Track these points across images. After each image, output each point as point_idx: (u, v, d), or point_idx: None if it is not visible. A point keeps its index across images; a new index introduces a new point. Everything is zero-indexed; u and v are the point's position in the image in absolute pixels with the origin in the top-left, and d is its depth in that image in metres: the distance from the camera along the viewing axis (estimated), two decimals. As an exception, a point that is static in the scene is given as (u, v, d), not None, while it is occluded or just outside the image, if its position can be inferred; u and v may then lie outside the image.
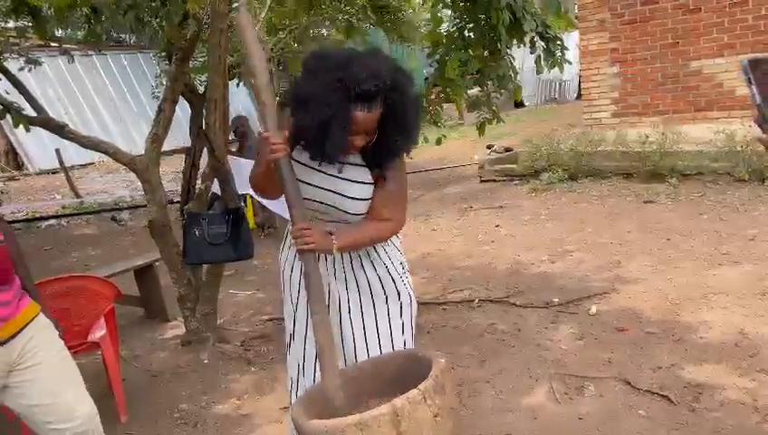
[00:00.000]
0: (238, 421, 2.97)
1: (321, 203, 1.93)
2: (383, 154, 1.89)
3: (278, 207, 5.68)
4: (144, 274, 4.48)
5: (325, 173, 1.92)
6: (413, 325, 2.11)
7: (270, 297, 4.82)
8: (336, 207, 1.93)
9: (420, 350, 2.05)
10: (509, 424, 2.71)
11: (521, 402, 2.88)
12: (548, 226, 5.94)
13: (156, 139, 3.65)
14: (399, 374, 1.94)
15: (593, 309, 3.83)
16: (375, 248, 2.03)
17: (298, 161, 1.90)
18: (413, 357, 1.98)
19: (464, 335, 3.68)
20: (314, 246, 1.79)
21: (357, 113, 1.77)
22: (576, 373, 3.06)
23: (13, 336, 1.79)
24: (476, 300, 4.19)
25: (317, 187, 1.92)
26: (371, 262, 2.03)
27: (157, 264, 4.43)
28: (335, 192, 1.91)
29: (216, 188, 3.85)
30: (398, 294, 2.06)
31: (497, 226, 6.17)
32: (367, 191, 1.93)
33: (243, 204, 3.87)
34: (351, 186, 1.92)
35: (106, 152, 3.56)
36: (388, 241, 2.06)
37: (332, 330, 1.88)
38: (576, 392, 2.91)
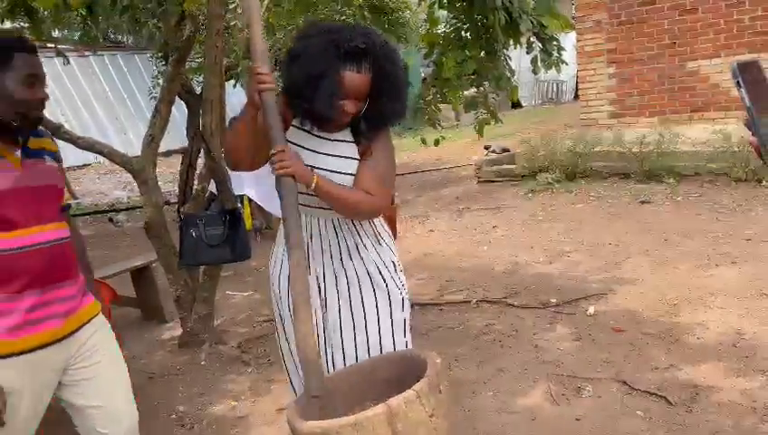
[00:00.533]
0: (235, 423, 2.96)
1: None
2: (370, 121, 1.89)
3: (275, 207, 5.69)
4: (141, 275, 4.47)
5: (315, 151, 1.90)
6: (406, 324, 2.06)
7: (267, 298, 4.80)
8: None
9: (416, 350, 2.04)
10: (506, 425, 2.70)
11: (518, 404, 2.87)
12: (545, 226, 5.94)
13: (152, 140, 3.64)
14: (396, 375, 1.93)
15: (591, 310, 3.82)
16: (365, 246, 1.99)
17: (289, 141, 1.86)
18: (409, 358, 1.97)
19: (461, 336, 3.67)
20: (291, 170, 1.72)
21: (346, 72, 1.78)
22: (573, 374, 3.06)
23: (74, 332, 1.77)
24: (474, 301, 4.18)
25: (310, 166, 1.87)
26: (361, 258, 1.99)
27: (154, 265, 4.42)
28: (324, 169, 1.87)
29: (213, 188, 3.84)
30: (389, 292, 2.01)
31: (494, 226, 6.17)
32: (354, 166, 1.91)
33: (240, 205, 3.86)
34: (340, 161, 1.90)
35: (101, 153, 3.55)
36: (379, 239, 2.02)
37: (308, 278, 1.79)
38: (573, 393, 2.91)
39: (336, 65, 1.77)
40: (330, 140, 1.92)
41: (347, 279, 1.99)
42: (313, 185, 1.79)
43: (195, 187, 3.87)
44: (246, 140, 1.83)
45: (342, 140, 1.92)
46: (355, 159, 1.92)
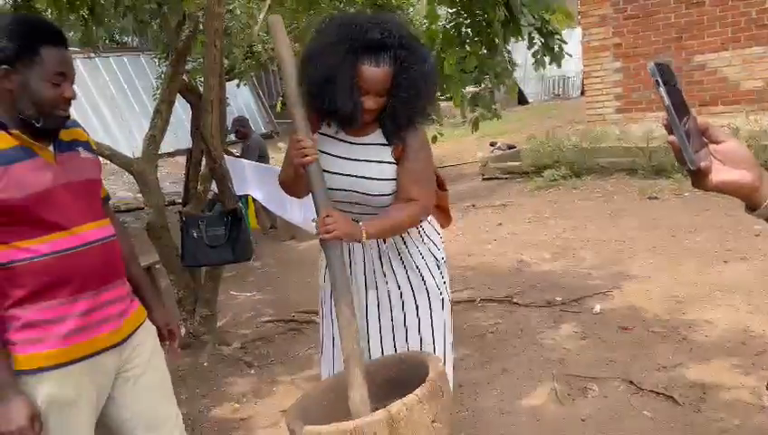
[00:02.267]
0: (237, 425, 2.94)
1: (345, 191, 1.87)
2: (398, 120, 1.82)
3: (279, 207, 5.68)
4: (144, 276, 4.45)
5: (345, 158, 1.87)
6: (446, 325, 2.02)
7: (270, 298, 4.80)
8: (360, 192, 1.86)
9: (420, 353, 2.01)
10: (511, 426, 2.66)
11: (523, 404, 2.83)
12: (551, 223, 5.89)
13: (153, 140, 3.62)
14: (399, 377, 1.90)
15: (597, 308, 3.78)
16: (407, 246, 1.96)
17: (319, 150, 1.85)
18: (412, 360, 1.94)
19: (465, 335, 3.63)
20: (338, 233, 1.69)
21: (363, 67, 1.72)
22: (579, 374, 3.02)
23: (129, 336, 1.66)
24: (478, 299, 4.14)
25: (339, 174, 1.86)
26: (402, 261, 1.96)
27: (156, 266, 4.41)
28: (358, 176, 1.85)
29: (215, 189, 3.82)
30: (428, 293, 1.98)
31: (500, 224, 6.13)
32: (389, 171, 1.86)
33: (241, 205, 3.83)
34: (372, 166, 1.86)
35: (102, 154, 3.51)
36: (423, 236, 1.99)
37: (358, 335, 1.79)
38: (579, 393, 2.87)
39: (352, 60, 1.71)
40: (360, 144, 1.87)
41: (387, 285, 1.96)
42: (364, 239, 1.76)
43: (198, 187, 3.84)
44: (297, 185, 1.90)
45: (373, 144, 1.87)
46: (389, 162, 1.86)
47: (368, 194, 1.86)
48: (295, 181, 1.89)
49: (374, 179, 1.85)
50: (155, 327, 1.80)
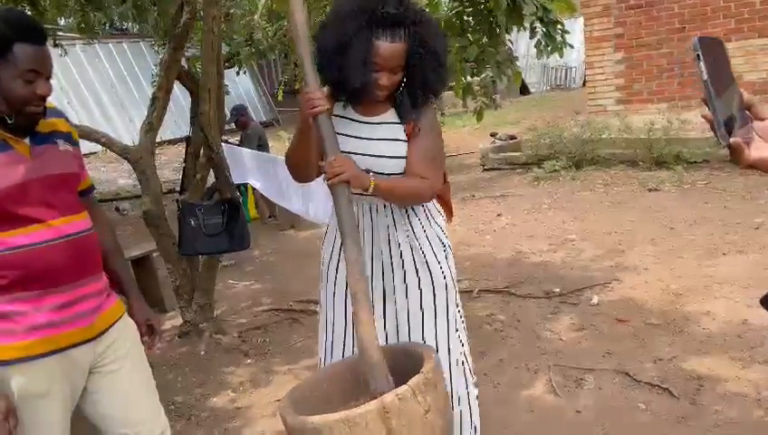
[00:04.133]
0: (233, 414, 2.94)
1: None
2: (414, 97, 1.81)
3: (279, 196, 5.66)
4: (141, 264, 4.45)
5: (359, 137, 1.85)
6: (450, 310, 1.98)
7: (268, 288, 4.79)
8: (374, 172, 1.83)
9: (413, 344, 2.00)
10: (506, 417, 2.66)
11: (519, 395, 2.83)
12: (550, 214, 5.88)
13: (150, 128, 3.59)
14: (393, 368, 1.89)
15: (594, 299, 3.77)
16: (413, 230, 1.93)
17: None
18: (406, 351, 1.93)
19: (462, 326, 3.63)
20: (346, 175, 1.67)
21: (378, 43, 1.70)
22: (575, 365, 3.01)
23: (104, 332, 1.65)
24: (476, 290, 4.14)
25: (354, 153, 1.83)
26: (409, 244, 1.93)
27: (154, 254, 4.41)
28: (372, 155, 1.83)
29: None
30: (432, 280, 1.94)
31: (498, 215, 6.11)
32: (403, 149, 1.85)
33: (239, 194, 3.82)
34: (386, 144, 1.84)
35: (98, 141, 3.51)
36: (429, 218, 1.96)
37: (365, 271, 1.76)
38: (575, 385, 2.86)
39: (367, 34, 1.69)
40: (373, 123, 1.86)
41: (392, 266, 1.93)
42: (371, 188, 1.74)
43: (196, 176, 3.82)
44: (307, 155, 1.83)
45: (386, 122, 1.86)
46: (402, 140, 1.85)
47: (382, 173, 1.84)
48: (305, 147, 1.83)
49: (388, 157, 1.84)
50: (135, 323, 1.79)
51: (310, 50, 1.76)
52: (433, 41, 1.75)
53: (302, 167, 1.91)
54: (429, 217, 1.97)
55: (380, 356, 1.73)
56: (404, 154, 1.84)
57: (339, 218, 1.72)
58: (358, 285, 1.71)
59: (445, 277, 1.96)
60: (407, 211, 1.93)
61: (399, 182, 1.83)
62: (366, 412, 1.58)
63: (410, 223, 1.94)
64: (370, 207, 1.92)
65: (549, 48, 3.52)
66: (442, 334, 1.98)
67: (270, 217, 6.97)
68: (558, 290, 3.98)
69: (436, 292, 1.95)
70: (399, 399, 1.60)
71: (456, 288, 2.03)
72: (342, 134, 1.85)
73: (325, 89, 1.82)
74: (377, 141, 1.84)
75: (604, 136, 7.46)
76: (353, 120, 1.87)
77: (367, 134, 1.85)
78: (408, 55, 1.73)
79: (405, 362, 1.86)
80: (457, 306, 2.04)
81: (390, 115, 1.86)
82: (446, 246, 1.99)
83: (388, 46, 1.71)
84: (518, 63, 3.64)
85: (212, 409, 3.01)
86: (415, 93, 1.80)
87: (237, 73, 9.58)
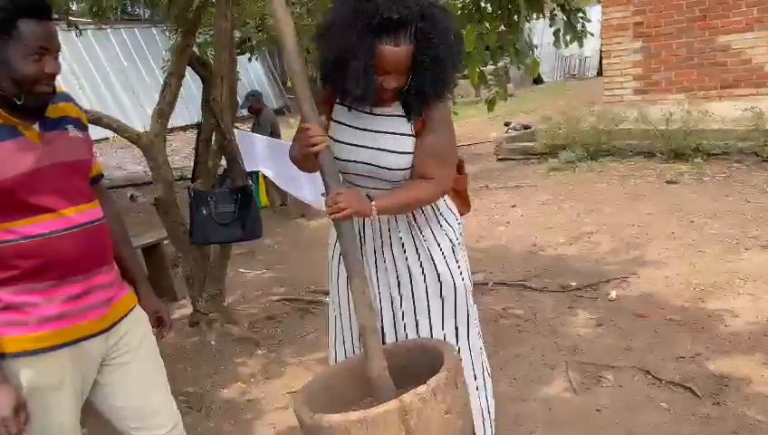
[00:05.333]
0: (244, 406, 2.90)
1: (362, 164, 1.79)
2: (423, 96, 1.71)
3: (290, 185, 5.60)
4: (152, 252, 4.41)
5: (364, 130, 1.79)
6: (459, 314, 1.92)
7: (280, 277, 4.75)
8: (376, 166, 1.78)
9: (435, 341, 1.94)
10: (522, 414, 2.60)
11: (536, 391, 2.77)
12: (566, 206, 5.78)
13: (161, 114, 3.54)
14: (409, 365, 1.84)
15: (612, 294, 3.69)
16: (420, 228, 1.86)
17: (336, 121, 1.80)
18: (424, 348, 1.87)
19: (477, 320, 3.56)
20: (350, 211, 1.65)
21: (382, 47, 1.62)
22: (594, 362, 2.94)
23: (116, 323, 1.61)
24: (490, 283, 4.06)
25: (356, 145, 1.79)
26: (414, 243, 1.87)
27: (165, 242, 4.36)
28: (375, 148, 1.77)
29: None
30: (440, 283, 1.88)
31: (513, 206, 6.02)
32: (407, 144, 1.77)
33: (251, 182, 3.76)
34: (390, 138, 1.77)
35: (109, 127, 3.45)
36: (438, 217, 1.89)
37: (372, 304, 1.76)
38: (594, 382, 2.79)
39: (369, 39, 1.61)
40: (378, 115, 1.78)
41: (396, 270, 1.88)
42: (374, 215, 1.71)
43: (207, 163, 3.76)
44: (307, 165, 1.84)
45: (392, 115, 1.78)
46: (408, 135, 1.77)
47: (384, 168, 1.78)
48: (304, 162, 1.83)
49: (391, 152, 1.77)
50: (145, 314, 1.75)
51: (307, 84, 1.71)
52: (441, 37, 1.65)
53: (305, 169, 1.91)
54: (438, 215, 1.89)
55: (384, 370, 1.71)
56: (408, 149, 1.77)
57: (344, 252, 1.72)
58: (366, 320, 1.71)
59: (453, 277, 1.89)
60: (413, 215, 1.86)
61: (401, 196, 1.77)
62: (385, 412, 1.53)
63: (416, 222, 1.87)
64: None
65: (569, 37, 3.41)
66: (450, 334, 1.92)
67: (281, 204, 6.92)
68: (575, 284, 3.90)
69: (444, 293, 1.88)
70: (419, 399, 1.54)
71: (469, 287, 1.95)
72: (345, 124, 1.79)
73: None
74: (381, 134, 1.78)
75: (621, 127, 7.33)
76: (358, 110, 1.80)
77: (370, 126, 1.79)
78: (415, 53, 1.64)
79: (421, 359, 1.81)
80: (472, 304, 1.97)
81: (396, 108, 1.78)
82: (455, 243, 1.90)
83: (393, 50, 1.62)
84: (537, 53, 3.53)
85: (223, 400, 2.97)
86: (424, 93, 1.71)
87: (249, 60, 9.48)
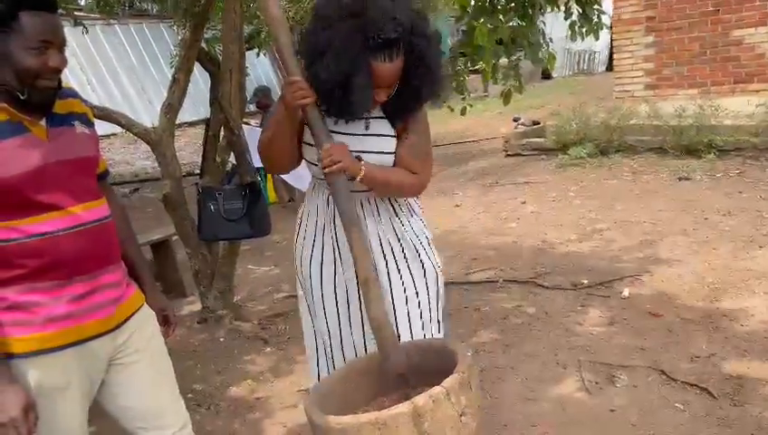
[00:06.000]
0: (253, 405, 2.87)
1: None
2: (406, 105, 1.77)
3: (298, 181, 5.56)
4: (160, 248, 4.40)
5: (347, 134, 1.79)
6: (438, 302, 1.98)
7: (288, 274, 4.71)
8: None
9: (444, 341, 1.90)
10: (535, 415, 2.56)
11: (548, 391, 2.73)
12: (576, 203, 5.72)
13: (170, 109, 3.51)
14: (419, 365, 1.80)
15: (625, 292, 3.64)
16: (400, 220, 1.91)
17: None
18: (435, 348, 1.83)
19: (487, 318, 3.53)
20: (342, 165, 1.66)
21: (377, 65, 1.64)
22: (607, 361, 2.90)
23: (124, 322, 1.59)
24: (500, 281, 4.02)
25: None
26: (396, 233, 1.90)
27: (174, 238, 4.35)
28: (362, 151, 1.77)
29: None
30: (424, 266, 1.92)
31: (523, 202, 5.97)
32: (389, 145, 1.81)
33: (259, 179, 3.73)
34: (375, 140, 1.80)
35: (118, 123, 3.43)
36: (411, 211, 1.94)
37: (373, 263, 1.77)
38: (607, 382, 2.75)
39: (365, 56, 1.62)
40: (362, 118, 1.79)
41: (384, 255, 1.89)
42: (362, 174, 1.72)
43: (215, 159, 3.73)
44: (287, 144, 1.80)
45: (375, 117, 1.81)
46: (390, 135, 1.81)
47: None
48: (285, 136, 1.78)
49: (377, 153, 1.79)
50: (152, 313, 1.72)
51: (290, 38, 1.70)
52: (429, 53, 1.69)
53: (281, 157, 1.85)
54: (411, 211, 1.96)
55: (393, 333, 1.73)
56: (390, 150, 1.81)
57: (340, 208, 1.71)
58: (369, 274, 1.69)
59: (434, 267, 1.95)
60: (391, 204, 1.90)
61: (390, 173, 1.80)
62: (397, 414, 1.50)
63: (397, 215, 1.91)
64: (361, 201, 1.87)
65: (584, 30, 3.35)
66: (425, 322, 1.93)
67: (289, 200, 6.89)
68: (586, 282, 3.85)
69: (428, 282, 1.93)
70: (433, 401, 1.51)
71: (442, 278, 2.01)
72: (332, 131, 1.77)
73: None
74: (367, 137, 1.80)
75: (632, 122, 7.25)
76: (330, 116, 1.80)
77: (355, 130, 1.80)
78: (405, 64, 1.68)
79: (434, 360, 1.77)
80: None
81: (377, 110, 1.80)
82: (428, 237, 1.98)
83: (387, 67, 1.65)
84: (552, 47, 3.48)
85: (231, 398, 2.94)
86: (412, 102, 1.77)
87: (257, 55, 9.46)
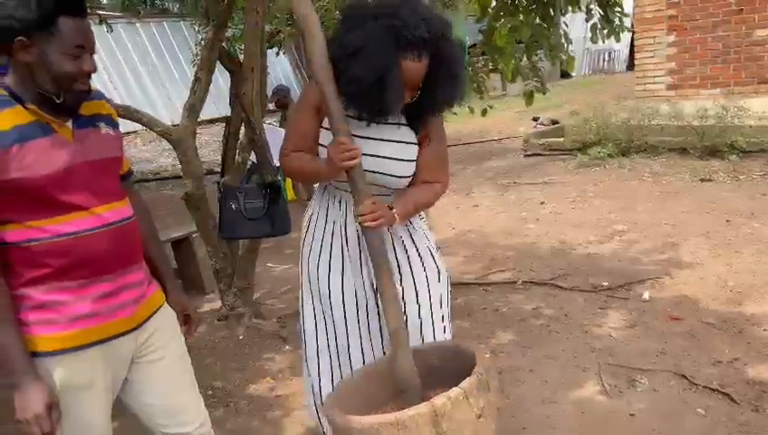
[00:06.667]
0: (271, 402, 2.89)
1: (367, 171, 1.79)
2: (430, 108, 1.80)
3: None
4: (181, 245, 4.45)
5: (374, 139, 1.81)
6: (448, 304, 2.01)
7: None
8: (381, 173, 1.82)
9: (463, 342, 1.90)
10: (553, 417, 2.55)
11: (567, 394, 2.71)
12: (596, 204, 5.68)
13: (192, 109, 3.54)
14: (438, 366, 1.81)
15: (645, 295, 3.61)
16: (412, 223, 1.95)
17: (327, 128, 1.81)
18: (454, 349, 1.84)
19: (505, 319, 3.52)
20: (384, 221, 1.71)
21: (407, 63, 1.66)
22: (627, 364, 2.88)
23: (145, 321, 1.62)
24: (519, 281, 4.01)
25: (366, 155, 1.78)
26: (411, 237, 1.94)
27: (194, 235, 4.39)
28: (380, 156, 1.80)
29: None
30: (438, 271, 1.97)
31: (542, 203, 5.94)
32: (411, 152, 1.84)
33: (279, 178, 3.75)
34: (398, 147, 1.82)
35: (140, 121, 3.47)
36: (419, 214, 2.00)
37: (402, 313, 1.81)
38: (627, 385, 2.73)
39: (396, 55, 1.65)
40: (387, 123, 1.82)
41: (396, 256, 1.92)
42: (398, 221, 1.78)
43: (237, 157, 3.76)
44: (312, 179, 1.97)
45: (399, 124, 1.84)
46: (413, 143, 1.84)
47: (390, 175, 1.83)
48: (316, 179, 1.91)
49: (399, 160, 1.82)
50: (173, 311, 1.75)
51: (336, 94, 1.69)
52: (453, 57, 1.72)
53: (299, 180, 1.99)
54: (419, 214, 2.01)
55: (412, 369, 1.74)
56: (413, 157, 1.84)
57: (374, 262, 1.74)
58: (399, 323, 1.72)
59: (438, 267, 1.99)
60: None
61: (414, 198, 1.85)
62: (417, 415, 1.50)
63: (410, 221, 1.95)
64: None
65: (606, 31, 3.32)
66: (436, 323, 1.97)
67: (308, 199, 6.92)
68: (606, 284, 3.82)
69: (441, 281, 1.98)
70: (451, 402, 1.52)
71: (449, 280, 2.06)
72: (356, 135, 1.79)
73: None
74: (386, 142, 1.82)
75: (653, 122, 7.17)
76: (361, 118, 1.81)
77: (381, 135, 1.82)
78: (430, 68, 1.70)
79: (453, 361, 1.78)
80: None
81: (400, 117, 1.83)
82: (433, 242, 2.03)
83: (416, 66, 1.68)
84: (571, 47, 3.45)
85: (251, 396, 2.97)
86: (430, 106, 1.78)
87: (277, 54, 9.51)
